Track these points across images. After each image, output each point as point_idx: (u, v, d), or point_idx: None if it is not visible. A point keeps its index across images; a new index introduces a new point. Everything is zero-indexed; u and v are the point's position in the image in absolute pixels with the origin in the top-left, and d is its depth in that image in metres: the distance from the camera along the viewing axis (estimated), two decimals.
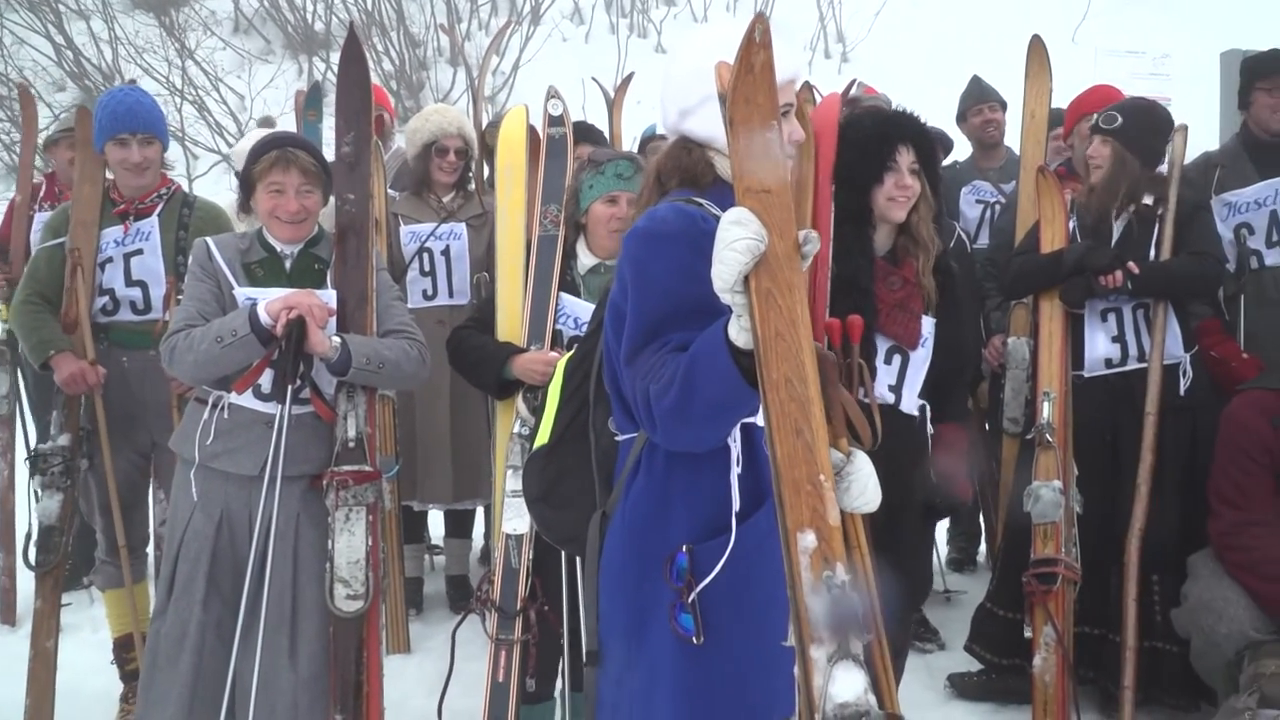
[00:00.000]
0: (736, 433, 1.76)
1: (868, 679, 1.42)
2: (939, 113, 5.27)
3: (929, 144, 2.76)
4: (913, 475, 2.67)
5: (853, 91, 5.07)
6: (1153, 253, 3.39)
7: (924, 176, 2.70)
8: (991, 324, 4.14)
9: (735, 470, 1.76)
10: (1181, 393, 3.35)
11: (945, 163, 5.00)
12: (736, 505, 1.75)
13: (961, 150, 5.18)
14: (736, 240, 1.53)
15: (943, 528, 5.04)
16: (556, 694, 2.90)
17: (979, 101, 4.99)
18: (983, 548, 4.96)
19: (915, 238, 2.70)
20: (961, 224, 4.71)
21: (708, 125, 1.81)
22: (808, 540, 1.47)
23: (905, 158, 2.66)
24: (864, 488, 1.88)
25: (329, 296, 2.82)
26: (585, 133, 4.69)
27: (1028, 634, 3.10)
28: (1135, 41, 14.83)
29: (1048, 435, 3.27)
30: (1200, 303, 3.50)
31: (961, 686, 3.61)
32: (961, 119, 5.07)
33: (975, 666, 3.62)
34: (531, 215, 3.13)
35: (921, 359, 2.69)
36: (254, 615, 2.70)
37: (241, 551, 2.72)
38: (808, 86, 4.83)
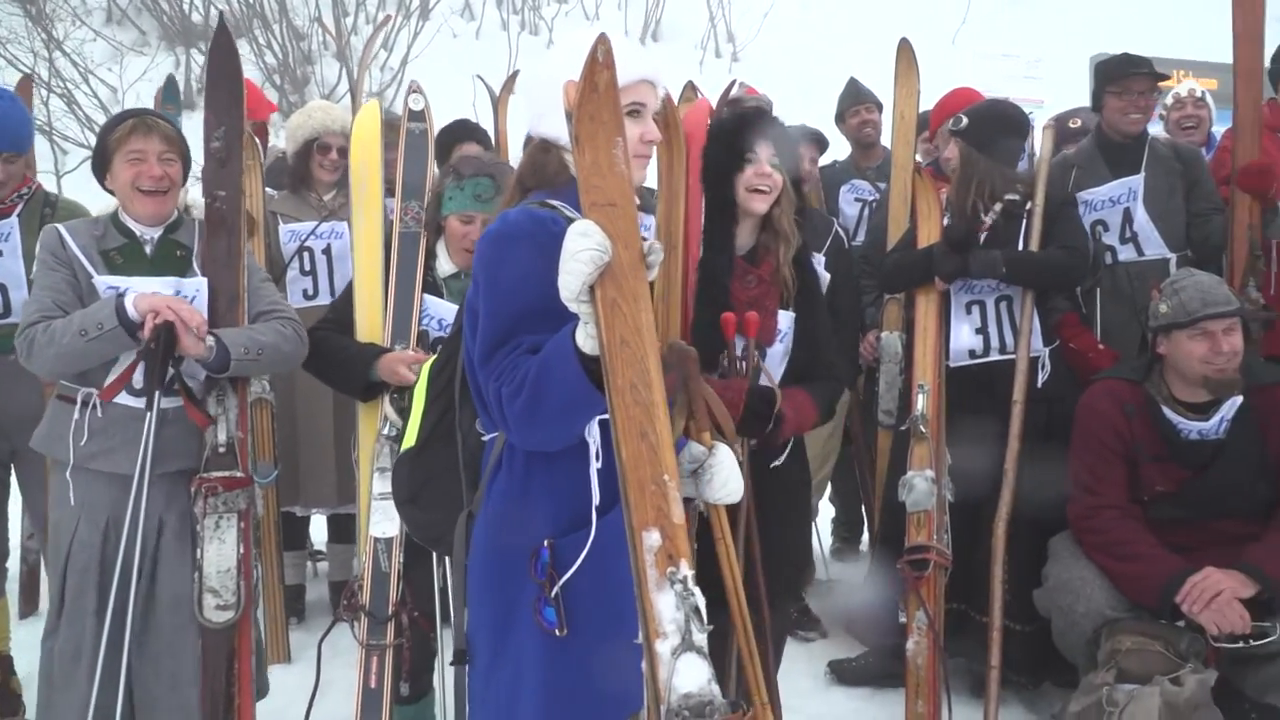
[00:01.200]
0: (595, 428, 1.79)
1: (711, 670, 1.46)
2: (826, 112, 5.42)
3: (789, 142, 2.84)
4: (785, 472, 2.74)
5: (734, 92, 5.14)
6: (1021, 247, 3.52)
7: (785, 172, 2.77)
8: (866, 320, 4.26)
9: (595, 465, 1.79)
10: (1039, 384, 3.47)
11: (825, 162, 5.14)
12: (597, 499, 1.79)
13: (841, 150, 5.30)
14: (581, 251, 1.59)
15: (826, 517, 5.19)
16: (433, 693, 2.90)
17: (856, 103, 5.12)
18: (865, 536, 5.08)
19: (776, 230, 2.77)
20: (840, 221, 4.84)
21: (559, 128, 1.86)
22: (653, 539, 1.52)
23: (765, 150, 2.74)
24: (726, 480, 1.95)
25: (199, 285, 2.76)
26: (469, 131, 4.67)
27: (902, 619, 3.20)
28: (1011, 46, 15.42)
29: (921, 426, 3.36)
30: (1060, 297, 3.63)
31: (841, 672, 3.71)
32: (840, 119, 5.20)
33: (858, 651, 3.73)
34: (393, 212, 3.11)
35: (779, 354, 2.75)
36: (148, 622, 2.65)
37: (131, 556, 2.64)
38: (692, 87, 4.94)
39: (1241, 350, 3.02)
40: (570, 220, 1.69)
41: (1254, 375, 3.08)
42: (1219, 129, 4.68)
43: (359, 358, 2.96)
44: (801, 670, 3.77)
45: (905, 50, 4.24)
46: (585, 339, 1.62)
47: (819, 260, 4.05)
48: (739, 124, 2.79)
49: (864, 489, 4.61)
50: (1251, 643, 2.87)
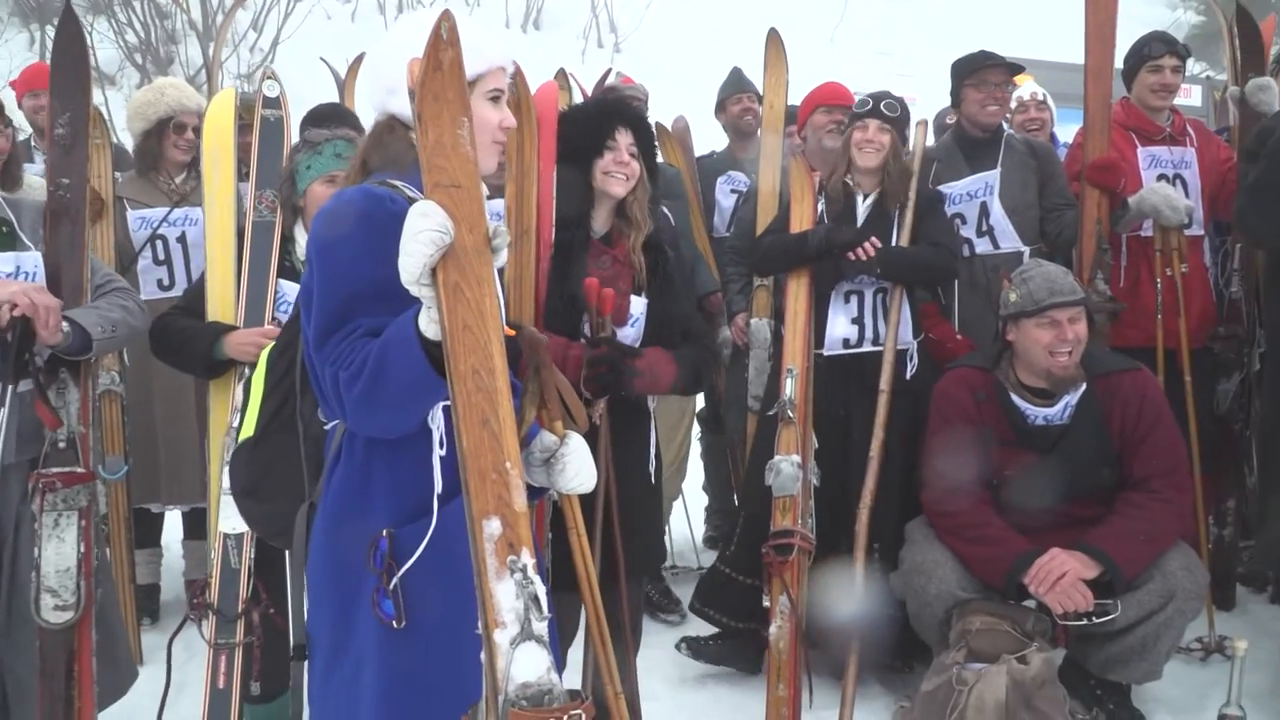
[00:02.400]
0: (439, 414, 1.75)
1: (551, 659, 1.44)
2: (707, 104, 5.44)
3: (648, 132, 2.85)
4: (627, 450, 2.73)
5: (609, 80, 5.13)
6: (894, 239, 3.59)
7: (643, 163, 2.78)
8: (734, 307, 4.31)
9: (438, 452, 1.75)
10: (908, 376, 3.56)
11: (702, 153, 5.17)
12: (439, 487, 1.74)
13: (719, 140, 5.31)
14: (421, 232, 1.55)
15: (699, 505, 5.23)
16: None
17: (738, 91, 5.14)
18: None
19: (629, 218, 2.77)
20: (717, 213, 4.88)
21: (406, 107, 1.80)
22: (493, 527, 1.50)
23: (624, 138, 2.74)
24: (579, 469, 1.93)
25: (36, 260, 2.67)
26: (340, 116, 4.52)
27: (766, 602, 3.23)
28: (886, 44, 15.82)
29: (789, 411, 3.40)
30: (920, 287, 3.72)
31: (696, 649, 3.68)
32: (720, 108, 5.20)
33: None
34: (247, 200, 3.02)
35: (631, 337, 2.74)
36: (13, 612, 2.58)
37: None
38: (563, 75, 4.90)
39: (1085, 339, 3.14)
40: (412, 201, 1.64)
41: (1097, 364, 3.21)
42: (1070, 129, 4.85)
43: (204, 335, 2.89)
44: (669, 656, 3.79)
45: (774, 41, 4.29)
46: (428, 323, 1.58)
47: None
48: (603, 109, 2.80)
49: (735, 477, 4.65)
50: (1094, 621, 3.00)
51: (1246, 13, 4.40)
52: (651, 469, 2.91)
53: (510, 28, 15.01)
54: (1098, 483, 3.16)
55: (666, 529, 4.42)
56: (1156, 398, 3.18)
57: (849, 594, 3.28)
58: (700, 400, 4.85)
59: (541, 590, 1.47)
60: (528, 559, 1.49)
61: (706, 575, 3.76)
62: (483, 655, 1.47)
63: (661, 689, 3.50)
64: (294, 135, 3.24)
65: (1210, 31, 13.60)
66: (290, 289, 2.88)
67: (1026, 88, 5.24)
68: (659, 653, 3.79)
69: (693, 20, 15.59)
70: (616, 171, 2.72)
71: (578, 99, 4.85)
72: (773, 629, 3.14)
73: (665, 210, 3.80)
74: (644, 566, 3.09)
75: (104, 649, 2.71)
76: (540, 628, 1.45)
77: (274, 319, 2.88)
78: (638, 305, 2.77)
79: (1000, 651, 2.94)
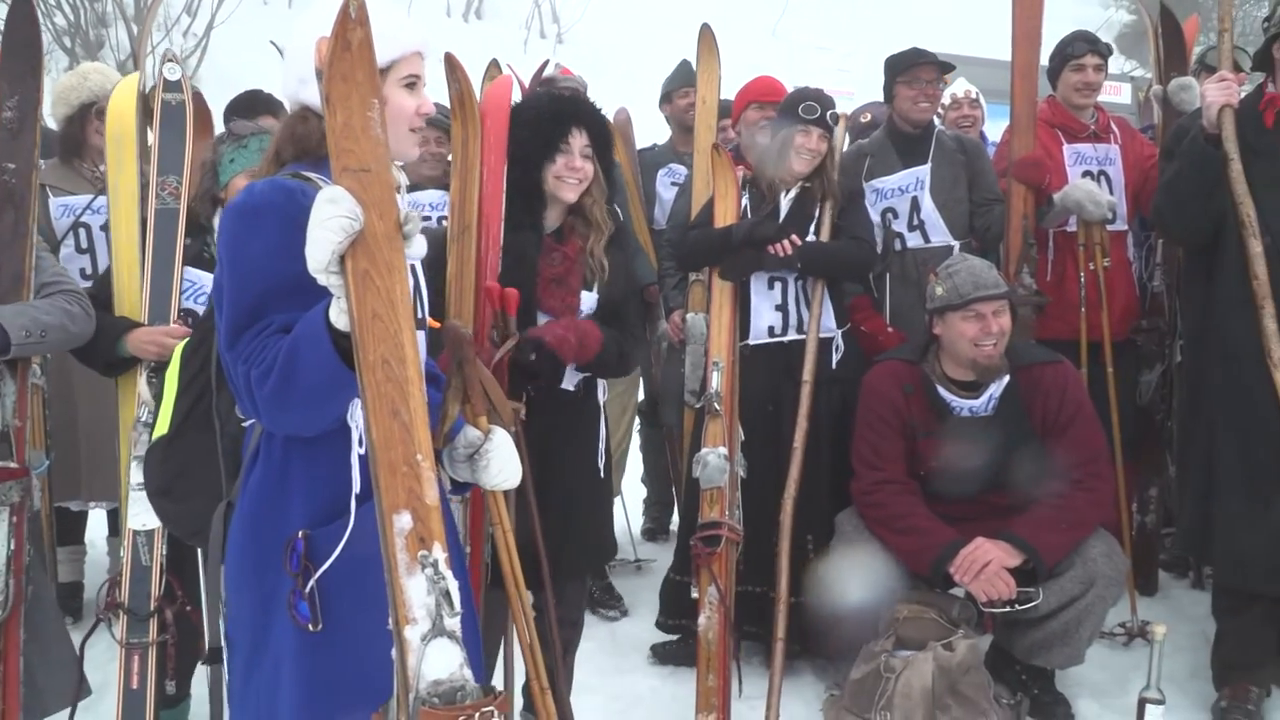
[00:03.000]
0: (359, 412, 1.72)
1: (465, 655, 1.43)
2: (650, 97, 5.42)
3: (604, 130, 2.81)
4: (577, 445, 2.72)
5: (548, 71, 5.10)
6: (812, 234, 3.62)
7: (598, 161, 2.74)
8: (670, 302, 4.31)
9: (357, 451, 1.72)
10: (834, 365, 3.59)
11: (644, 145, 5.16)
12: (357, 487, 1.71)
13: (662, 133, 5.30)
14: (329, 219, 1.52)
15: (638, 498, 5.24)
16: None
17: (685, 84, 5.11)
18: (675, 517, 5.15)
19: (588, 219, 2.75)
20: (658, 206, 4.87)
21: (317, 94, 1.76)
22: (403, 521, 1.47)
23: (578, 140, 2.70)
24: (504, 465, 1.92)
25: None
26: (264, 103, 4.44)
27: (695, 595, 3.24)
28: (827, 39, 15.94)
29: (715, 404, 3.41)
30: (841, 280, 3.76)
31: (663, 655, 3.72)
32: (665, 100, 5.18)
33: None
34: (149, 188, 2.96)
35: None
36: None
37: None
38: (496, 65, 4.85)
39: (1009, 331, 3.19)
40: None
41: (1019, 356, 3.26)
42: (1000, 125, 4.92)
43: (107, 330, 2.82)
44: (606, 650, 3.79)
45: (707, 37, 4.30)
46: (338, 314, 1.55)
47: None
48: (556, 109, 2.74)
49: (674, 471, 4.66)
50: (1017, 608, 3.05)
51: (1170, 13, 4.49)
52: (601, 464, 2.91)
53: (451, 16, 14.89)
54: (1021, 472, 3.21)
55: None
56: (1077, 389, 3.24)
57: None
58: (641, 393, 4.87)
59: (454, 585, 1.45)
60: (440, 554, 1.47)
61: (663, 591, 3.76)
62: (393, 652, 1.45)
63: (597, 681, 3.49)
64: (218, 123, 3.19)
65: (1140, 30, 13.91)
66: (207, 280, 2.82)
67: (959, 85, 5.30)
68: (593, 644, 3.79)
69: (636, 12, 15.57)
70: (569, 176, 2.68)
71: (516, 93, 4.82)
72: (701, 620, 3.15)
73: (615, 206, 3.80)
74: (594, 562, 3.09)
75: (39, 649, 2.63)
76: (453, 623, 1.43)
77: (182, 311, 2.82)
78: (588, 300, 2.75)
79: (927, 639, 2.99)
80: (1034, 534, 3.05)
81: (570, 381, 2.76)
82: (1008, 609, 3.05)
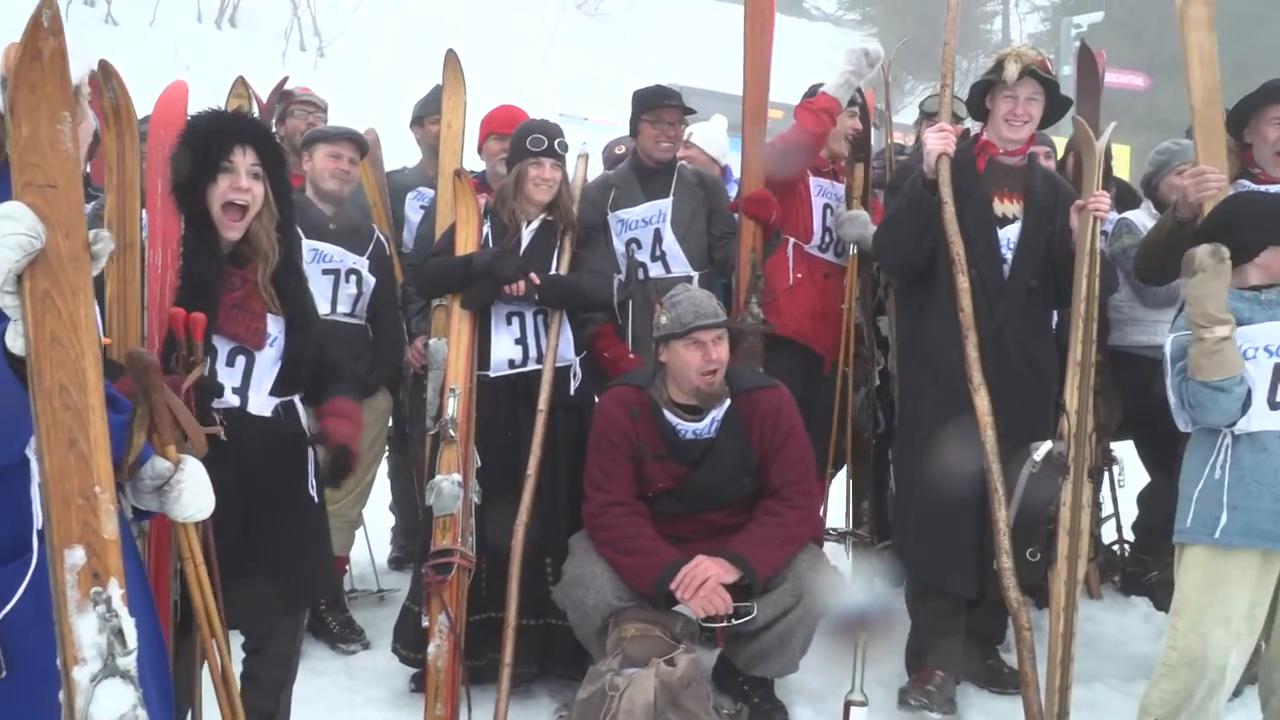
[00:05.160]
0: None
1: (139, 695, 1.39)
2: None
3: (274, 149, 2.67)
4: (280, 474, 2.64)
5: (287, 88, 4.99)
6: (554, 265, 3.70)
7: (268, 182, 2.60)
8: (413, 328, 4.29)
9: (35, 483, 1.64)
10: (572, 392, 3.68)
11: (394, 168, 5.10)
12: (38, 522, 1.62)
13: (411, 156, 5.26)
14: (6, 237, 1.45)
15: (386, 526, 5.14)
16: None
17: (438, 109, 5.10)
18: None
19: (255, 246, 2.60)
20: (406, 229, 4.83)
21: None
22: (76, 556, 1.42)
23: (243, 159, 2.54)
24: (195, 496, 1.86)
25: None
26: None
27: (425, 622, 3.24)
28: (593, 67, 16.30)
29: (451, 430, 3.43)
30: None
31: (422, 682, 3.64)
32: (417, 123, 5.15)
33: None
34: None
35: (270, 360, 2.62)
36: None
37: None
38: (242, 82, 4.68)
39: (727, 359, 3.37)
40: None
41: (740, 381, 3.45)
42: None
43: None
44: (339, 684, 3.70)
45: (452, 61, 4.32)
46: (15, 338, 1.48)
47: (363, 263, 4.06)
48: (215, 126, 2.56)
49: (421, 498, 4.61)
50: (734, 622, 3.22)
51: None
52: (313, 491, 2.83)
53: (202, 22, 14.19)
54: (741, 492, 3.40)
55: (349, 555, 4.33)
56: (791, 412, 3.46)
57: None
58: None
59: (129, 623, 1.41)
60: (116, 590, 1.42)
61: (399, 621, 3.67)
62: (61, 694, 1.39)
63: (328, 716, 3.42)
64: None
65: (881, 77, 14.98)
66: None
67: (717, 121, 5.56)
68: (327, 679, 3.71)
69: (403, 31, 15.38)
70: (237, 199, 2.52)
71: (255, 110, 4.68)
72: (431, 649, 3.14)
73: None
74: (308, 597, 3.00)
75: None
76: (126, 663, 1.39)
77: None
78: (275, 325, 2.63)
79: (651, 656, 3.09)
80: (749, 550, 3.22)
81: (267, 408, 2.63)
82: (724, 624, 3.21)
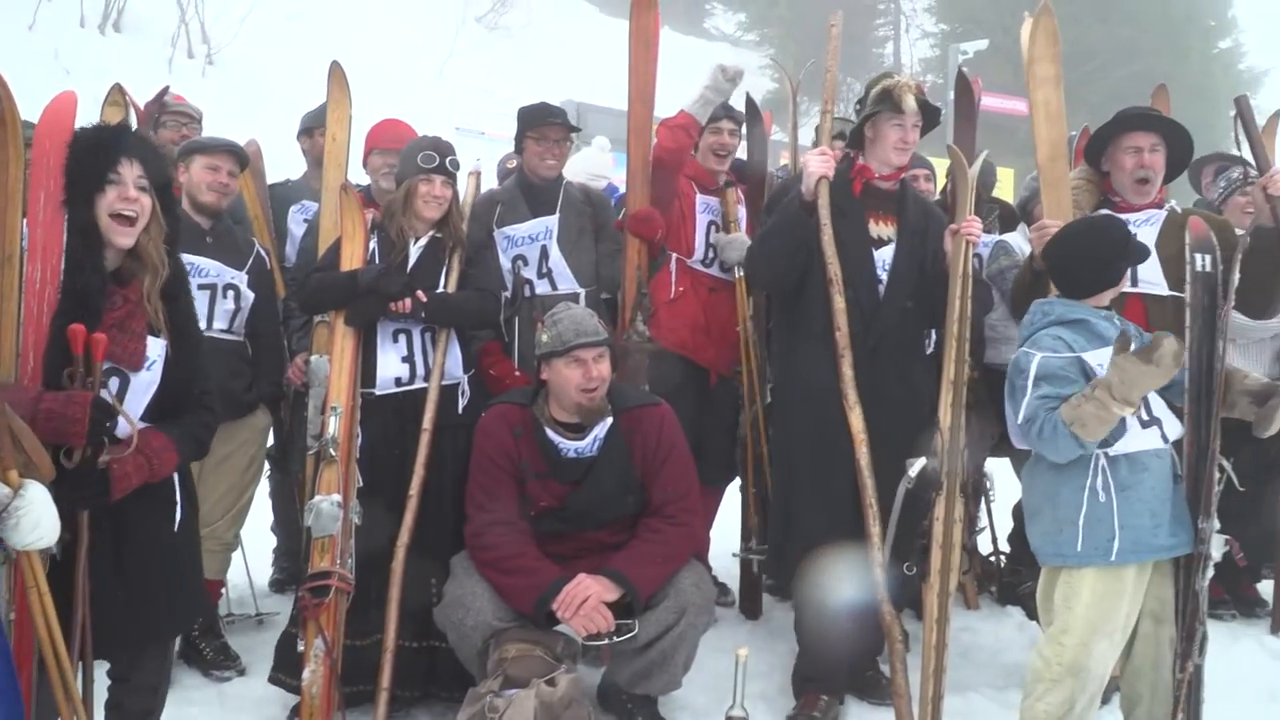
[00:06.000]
0: None
1: None
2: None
3: (160, 161, 2.64)
4: (145, 496, 2.51)
5: (165, 98, 4.87)
6: (441, 282, 3.66)
7: (156, 196, 2.57)
8: (294, 344, 4.20)
9: None
10: (460, 411, 3.65)
11: (277, 180, 5.00)
12: None
13: (296, 168, 5.16)
14: None
15: (268, 548, 5.01)
16: None
17: (321, 124, 5.02)
18: None
19: (143, 260, 2.56)
20: (289, 242, 4.73)
21: None
22: None
23: (130, 170, 2.51)
24: (37, 522, 1.78)
25: None
26: None
27: (301, 646, 3.15)
28: (490, 81, 16.23)
29: (331, 449, 3.36)
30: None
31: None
32: (305, 134, 5.06)
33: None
34: None
35: (147, 382, 2.54)
36: None
37: None
38: (119, 90, 4.52)
39: (609, 377, 3.38)
40: None
41: (622, 399, 3.46)
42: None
43: None
44: (210, 712, 3.59)
45: (337, 74, 4.26)
46: None
47: (242, 278, 3.96)
48: (97, 139, 2.52)
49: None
50: (616, 640, 3.21)
51: None
52: (179, 514, 2.73)
53: (86, 27, 13.72)
54: (623, 509, 3.40)
55: (226, 579, 4.20)
56: (673, 430, 3.48)
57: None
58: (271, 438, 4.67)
59: None
60: None
61: (278, 645, 3.57)
62: None
63: None
64: None
65: (782, 97, 15.30)
66: None
67: (598, 141, 5.60)
68: (198, 709, 3.60)
69: (295, 39, 15.11)
70: (125, 210, 2.47)
71: (133, 118, 4.53)
72: (306, 674, 3.07)
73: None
74: (177, 623, 2.89)
75: None
76: None
77: None
78: (155, 347, 2.55)
79: (532, 676, 3.06)
80: (630, 568, 3.23)
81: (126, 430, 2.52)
82: (606, 642, 3.20)
